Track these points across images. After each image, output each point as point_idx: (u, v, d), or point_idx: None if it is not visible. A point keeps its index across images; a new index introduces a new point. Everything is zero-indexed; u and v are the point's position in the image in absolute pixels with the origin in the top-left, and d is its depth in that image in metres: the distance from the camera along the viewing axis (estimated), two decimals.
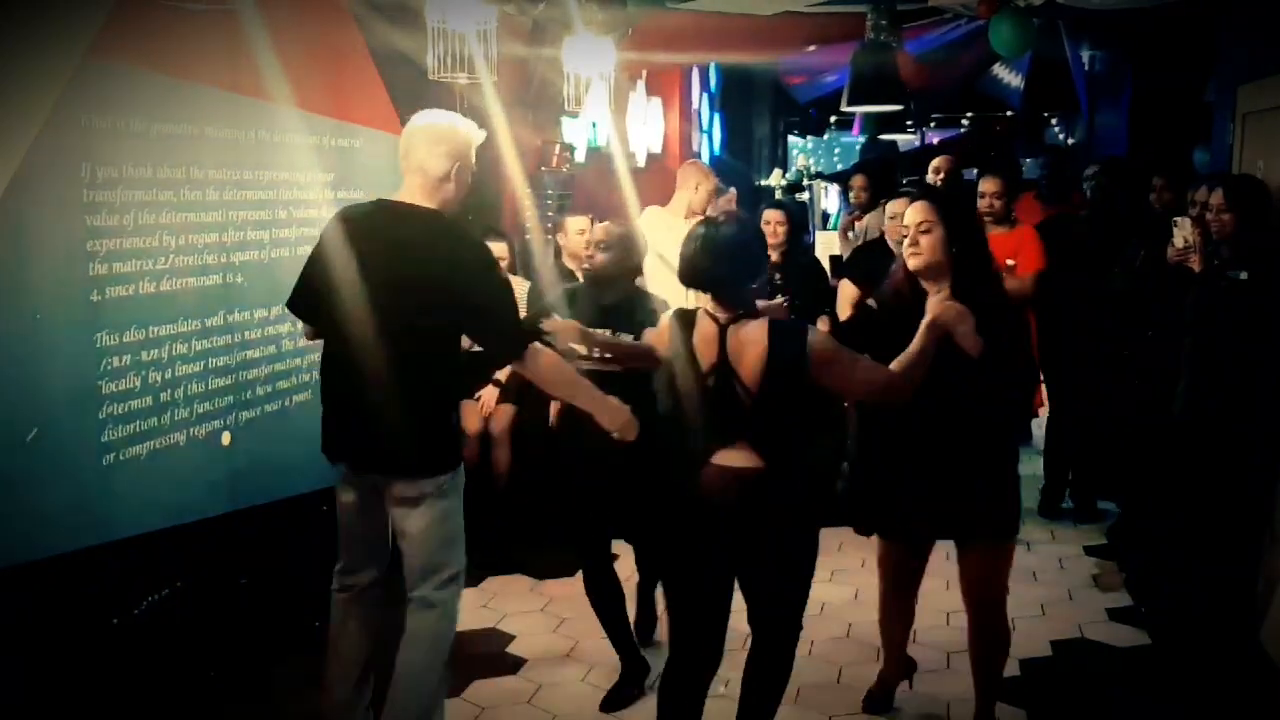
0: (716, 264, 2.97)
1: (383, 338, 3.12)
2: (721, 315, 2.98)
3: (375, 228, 3.20)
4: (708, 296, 3.02)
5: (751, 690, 3.26)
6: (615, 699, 3.93)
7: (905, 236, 3.32)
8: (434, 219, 3.21)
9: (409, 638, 3.26)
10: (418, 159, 3.21)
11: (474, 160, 3.33)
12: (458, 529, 3.34)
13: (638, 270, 4.01)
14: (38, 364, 3.22)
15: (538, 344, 3.25)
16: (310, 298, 3.28)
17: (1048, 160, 8.90)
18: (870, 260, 5.32)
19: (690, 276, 3.02)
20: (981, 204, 5.50)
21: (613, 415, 3.32)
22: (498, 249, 5.30)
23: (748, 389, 2.92)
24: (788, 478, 2.97)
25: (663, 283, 5.76)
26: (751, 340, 2.92)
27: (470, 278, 3.19)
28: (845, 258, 6.36)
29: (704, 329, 2.99)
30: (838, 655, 4.29)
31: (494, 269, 3.32)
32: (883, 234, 5.52)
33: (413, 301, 3.12)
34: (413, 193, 3.22)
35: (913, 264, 3.31)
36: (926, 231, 3.27)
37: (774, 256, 5.41)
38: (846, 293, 5.30)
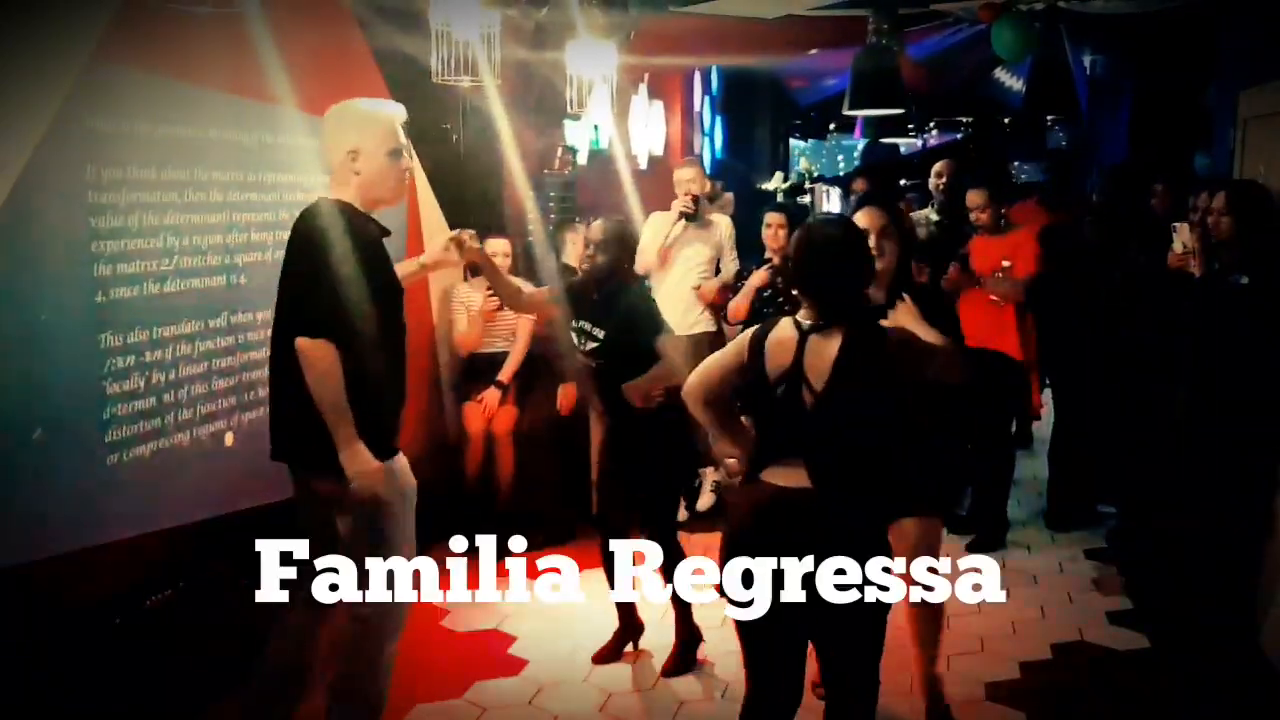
0: (822, 266, 2.73)
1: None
2: (807, 321, 2.73)
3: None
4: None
5: None
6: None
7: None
8: (305, 213, 3.12)
9: None
10: (323, 151, 3.20)
11: (384, 143, 3.16)
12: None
13: (630, 265, 4.24)
14: (43, 364, 3.24)
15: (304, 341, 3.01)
16: None
17: (1051, 165, 8.90)
18: None
19: (798, 279, 2.80)
20: (970, 216, 5.57)
21: None
22: (499, 246, 5.35)
23: (814, 396, 2.66)
24: (844, 503, 2.65)
25: (668, 283, 5.81)
26: (827, 344, 2.67)
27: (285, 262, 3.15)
28: None
29: (781, 335, 2.74)
30: None
31: (299, 253, 3.12)
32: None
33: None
34: (330, 186, 3.17)
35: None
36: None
37: (775, 259, 5.43)
38: None
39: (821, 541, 2.60)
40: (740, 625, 2.75)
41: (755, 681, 2.84)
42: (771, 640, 2.76)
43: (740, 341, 2.83)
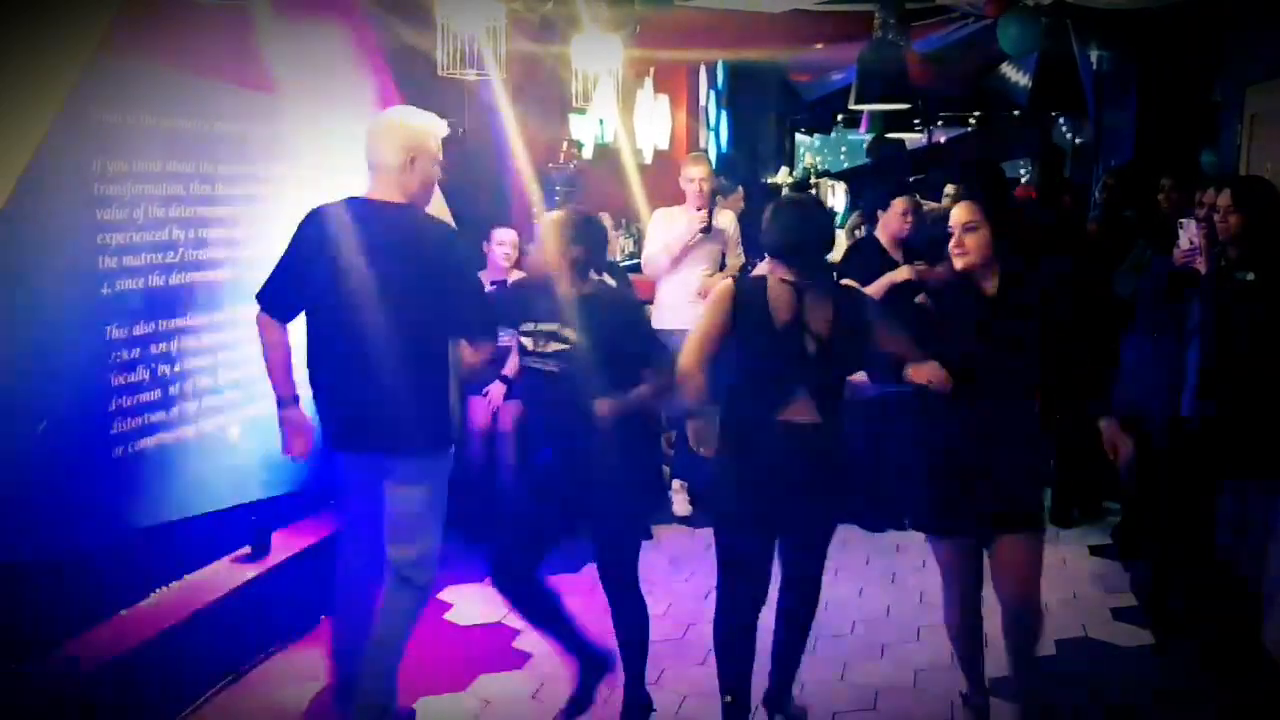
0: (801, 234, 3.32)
1: (370, 330, 3.30)
2: (792, 278, 3.32)
3: (350, 225, 3.35)
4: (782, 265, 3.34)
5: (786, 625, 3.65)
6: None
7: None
8: (401, 214, 3.40)
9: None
10: (375, 155, 3.40)
11: (436, 151, 3.45)
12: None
13: (584, 260, 3.60)
14: (48, 356, 3.24)
15: None
16: (288, 294, 3.41)
17: (1044, 162, 8.78)
18: (862, 260, 5.33)
19: (775, 246, 3.36)
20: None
21: None
22: (506, 237, 5.40)
23: (819, 346, 3.27)
24: (841, 433, 3.37)
25: (673, 278, 5.80)
26: (823, 300, 3.29)
27: (440, 269, 3.40)
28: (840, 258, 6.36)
29: (779, 293, 3.30)
30: (841, 653, 4.30)
31: (457, 257, 3.50)
32: (872, 234, 5.52)
33: (393, 296, 3.30)
34: (377, 188, 3.41)
35: (960, 264, 3.38)
36: (973, 230, 3.34)
37: None
38: None
39: (825, 465, 3.33)
40: (729, 532, 3.45)
41: (730, 580, 3.47)
42: (756, 543, 3.42)
43: (721, 303, 3.35)
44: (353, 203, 3.39)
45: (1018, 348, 3.30)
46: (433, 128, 3.47)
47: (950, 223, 3.40)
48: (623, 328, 3.52)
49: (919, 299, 3.53)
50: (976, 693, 3.68)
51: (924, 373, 3.30)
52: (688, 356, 3.37)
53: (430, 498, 3.46)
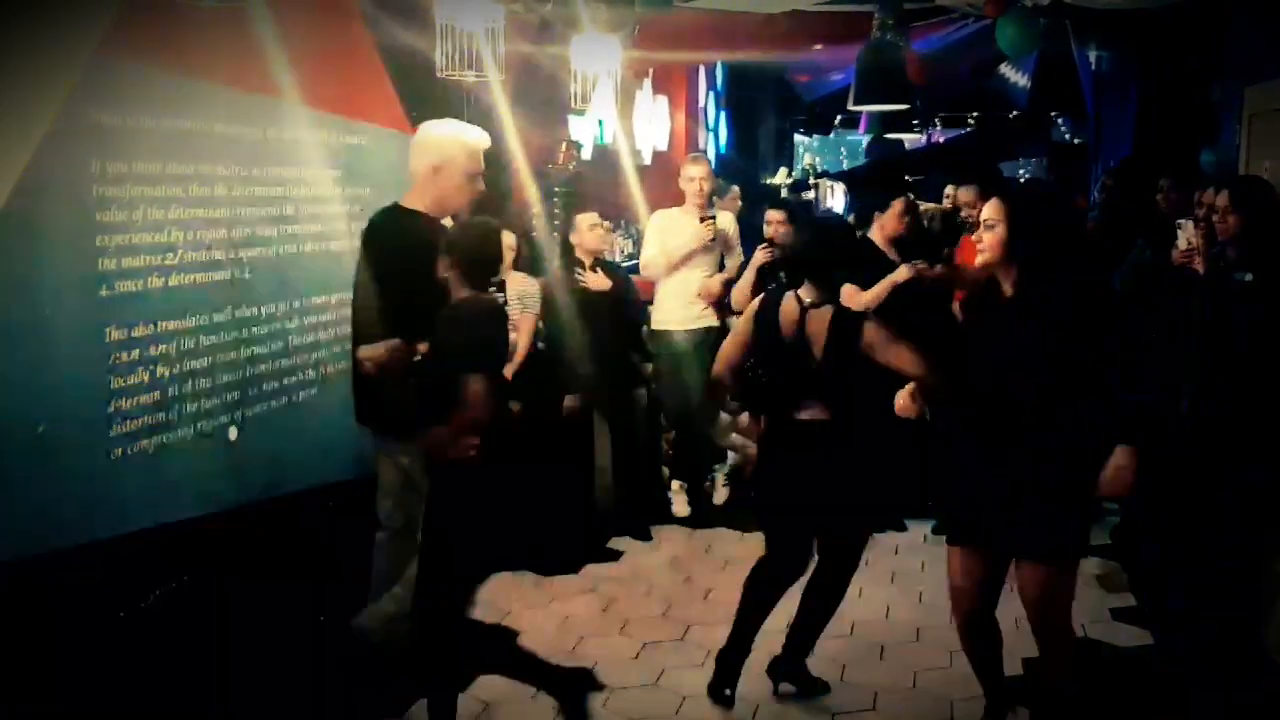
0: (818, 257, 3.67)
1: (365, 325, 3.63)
2: (806, 299, 3.62)
3: (371, 227, 3.73)
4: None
5: (810, 601, 3.92)
6: None
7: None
8: (410, 219, 3.66)
9: None
10: (410, 163, 3.70)
11: (466, 162, 3.69)
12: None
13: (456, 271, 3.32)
14: (47, 358, 3.24)
15: None
16: None
17: (1053, 160, 8.79)
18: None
19: (794, 263, 3.78)
20: (961, 214, 5.59)
21: None
22: (505, 239, 5.38)
23: (818, 359, 3.56)
24: (852, 430, 3.63)
25: (671, 279, 5.80)
26: (821, 319, 3.58)
27: (393, 275, 3.58)
28: None
29: (788, 306, 3.64)
30: (841, 654, 4.29)
31: (412, 265, 3.44)
32: (866, 235, 5.51)
33: (385, 296, 3.56)
34: (408, 196, 3.73)
35: (978, 260, 3.42)
36: (991, 228, 3.29)
37: (776, 238, 5.48)
38: (844, 294, 5.32)
39: (834, 457, 3.61)
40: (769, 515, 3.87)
41: (774, 551, 3.84)
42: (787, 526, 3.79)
43: (748, 313, 3.76)
44: (387, 210, 3.73)
45: (1034, 351, 3.19)
46: (463, 139, 3.69)
47: (981, 218, 3.39)
48: (477, 343, 3.25)
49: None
50: (991, 712, 3.56)
51: (899, 405, 3.53)
52: (718, 363, 3.82)
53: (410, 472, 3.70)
